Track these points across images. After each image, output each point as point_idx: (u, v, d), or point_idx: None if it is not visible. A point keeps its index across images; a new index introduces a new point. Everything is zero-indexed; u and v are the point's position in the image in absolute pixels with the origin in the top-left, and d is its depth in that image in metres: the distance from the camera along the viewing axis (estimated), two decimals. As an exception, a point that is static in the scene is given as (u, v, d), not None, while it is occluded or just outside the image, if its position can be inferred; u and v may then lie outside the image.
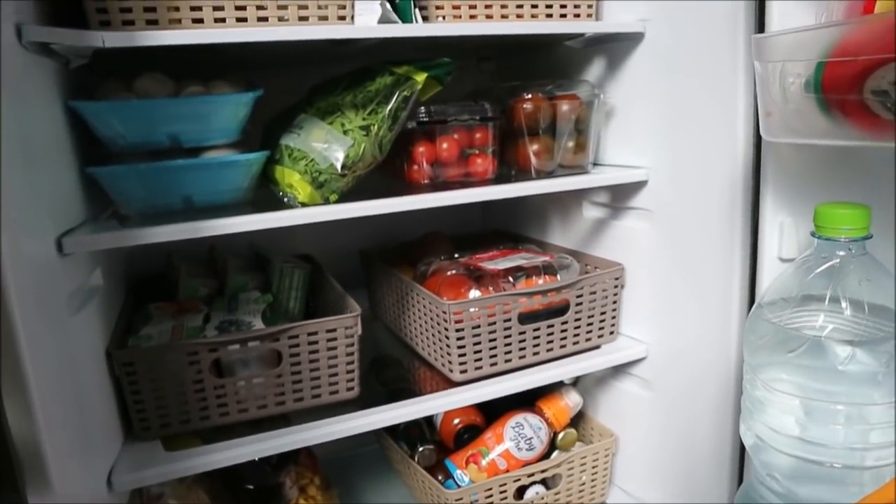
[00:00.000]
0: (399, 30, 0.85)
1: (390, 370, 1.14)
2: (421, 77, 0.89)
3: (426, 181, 0.98)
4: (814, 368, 0.61)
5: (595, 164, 1.09)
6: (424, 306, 1.02)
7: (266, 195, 0.91)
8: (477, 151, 1.00)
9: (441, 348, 1.00)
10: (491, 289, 1.02)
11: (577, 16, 1.00)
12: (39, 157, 0.72)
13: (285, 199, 0.88)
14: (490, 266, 1.06)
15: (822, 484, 0.64)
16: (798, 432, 0.63)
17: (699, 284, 0.96)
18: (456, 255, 1.14)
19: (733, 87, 0.85)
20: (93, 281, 0.86)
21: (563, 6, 0.98)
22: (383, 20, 0.84)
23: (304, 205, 0.86)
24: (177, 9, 0.78)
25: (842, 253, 0.62)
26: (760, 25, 0.77)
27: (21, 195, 0.64)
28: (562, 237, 1.26)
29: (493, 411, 1.16)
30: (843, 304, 0.61)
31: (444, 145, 0.98)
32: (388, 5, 0.86)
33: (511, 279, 1.04)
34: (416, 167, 0.98)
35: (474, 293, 1.01)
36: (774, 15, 0.71)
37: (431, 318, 1.00)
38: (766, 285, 0.77)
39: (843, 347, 0.59)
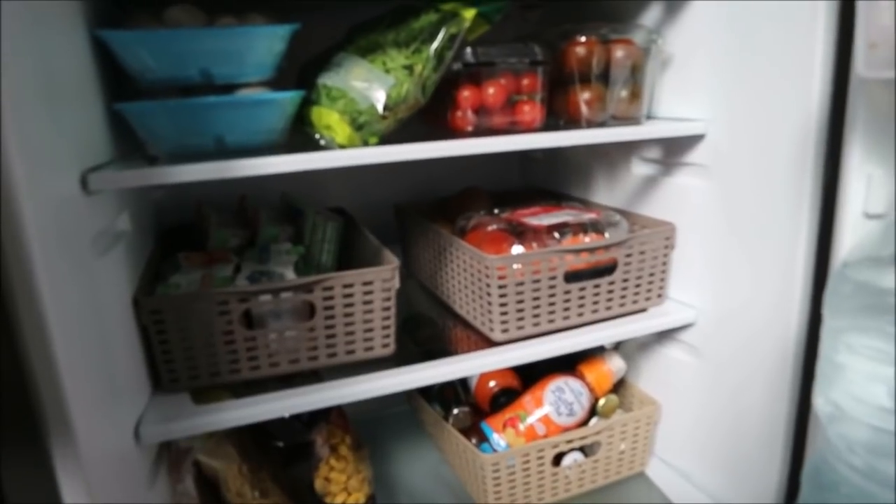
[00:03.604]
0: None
1: (424, 329, 1.10)
2: (469, 14, 0.83)
3: (470, 129, 0.92)
4: (910, 333, 0.55)
5: (648, 117, 1.02)
6: (465, 262, 0.97)
7: (301, 140, 0.86)
8: (525, 98, 0.93)
9: (481, 306, 0.94)
10: (535, 245, 0.96)
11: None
12: (63, 89, 0.67)
13: (322, 142, 0.82)
14: (534, 222, 1.00)
15: (910, 460, 0.58)
16: (888, 403, 0.57)
17: (758, 244, 0.90)
18: (496, 211, 1.09)
19: (812, 21, 0.77)
20: (119, 225, 0.82)
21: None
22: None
23: (342, 147, 0.80)
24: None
25: (947, 206, 0.56)
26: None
27: (42, 126, 0.60)
28: (607, 196, 1.20)
29: (530, 375, 1.11)
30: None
31: (491, 90, 0.91)
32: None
33: (556, 235, 0.98)
34: (459, 113, 0.91)
35: (517, 249, 0.96)
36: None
37: (472, 275, 0.95)
38: (847, 242, 0.70)
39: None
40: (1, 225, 0.53)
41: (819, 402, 0.65)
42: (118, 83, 0.84)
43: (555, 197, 1.25)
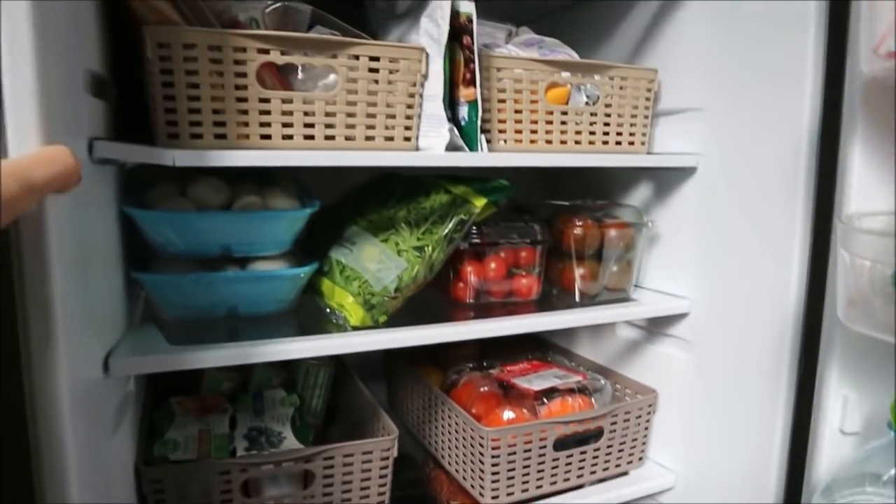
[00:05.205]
0: (468, 159, 0.84)
1: (408, 472, 1.10)
2: (480, 202, 0.89)
3: (471, 300, 0.96)
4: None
5: (636, 287, 1.08)
6: (458, 424, 0.99)
7: (308, 302, 0.89)
8: (523, 272, 0.99)
9: (473, 470, 0.97)
10: (525, 410, 1.00)
11: (632, 143, 1.00)
12: (96, 266, 0.68)
13: (333, 319, 0.85)
14: (523, 385, 1.03)
15: None
16: None
17: (735, 420, 0.95)
18: (485, 364, 1.12)
19: (790, 232, 0.85)
20: (128, 388, 0.83)
21: (619, 133, 0.98)
22: (451, 147, 0.83)
23: (355, 328, 0.83)
24: (245, 124, 0.75)
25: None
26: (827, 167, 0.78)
27: (77, 307, 0.60)
28: (591, 351, 1.24)
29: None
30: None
31: (493, 265, 0.97)
32: (455, 131, 0.85)
33: (545, 399, 1.02)
34: (461, 285, 0.96)
35: (508, 414, 0.99)
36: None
37: (465, 439, 0.98)
38: (825, 457, 0.75)
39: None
40: (38, 420, 0.54)
41: None
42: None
43: (540, 348, 1.29)
